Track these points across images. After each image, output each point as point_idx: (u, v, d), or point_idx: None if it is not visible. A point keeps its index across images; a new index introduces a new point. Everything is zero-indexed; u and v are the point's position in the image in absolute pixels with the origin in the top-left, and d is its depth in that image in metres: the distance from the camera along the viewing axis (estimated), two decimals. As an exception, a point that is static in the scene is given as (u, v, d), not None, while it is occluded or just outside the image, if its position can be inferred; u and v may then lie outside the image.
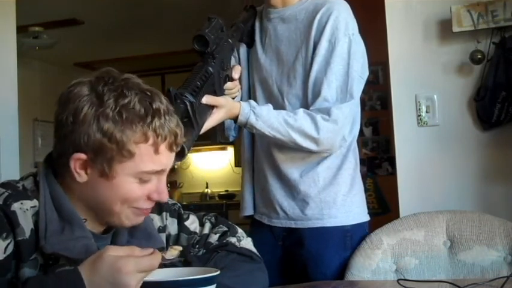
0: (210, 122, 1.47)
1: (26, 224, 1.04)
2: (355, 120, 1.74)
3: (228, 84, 1.59)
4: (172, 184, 6.85)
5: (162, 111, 1.06)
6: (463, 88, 2.21)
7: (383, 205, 3.66)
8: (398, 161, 2.31)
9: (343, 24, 1.68)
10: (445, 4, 2.18)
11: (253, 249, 1.31)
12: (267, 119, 1.58)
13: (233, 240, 1.28)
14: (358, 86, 1.71)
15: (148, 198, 1.10)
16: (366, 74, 1.75)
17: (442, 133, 2.24)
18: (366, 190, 3.63)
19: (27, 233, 1.03)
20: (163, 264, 1.12)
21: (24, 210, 1.04)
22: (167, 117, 1.06)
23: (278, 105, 1.73)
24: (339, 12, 1.68)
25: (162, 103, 1.07)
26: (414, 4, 2.27)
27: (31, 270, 1.03)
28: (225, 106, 1.50)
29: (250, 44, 1.84)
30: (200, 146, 6.40)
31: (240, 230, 1.34)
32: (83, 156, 1.05)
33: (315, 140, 1.63)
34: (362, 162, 3.69)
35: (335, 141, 1.66)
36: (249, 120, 1.57)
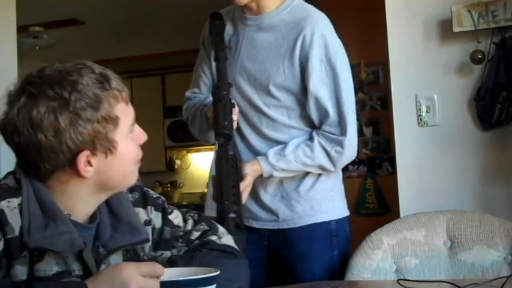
0: (244, 194, 1.65)
1: (15, 222, 1.04)
2: None
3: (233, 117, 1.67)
4: (173, 184, 6.83)
5: (108, 74, 1.11)
6: (463, 88, 2.21)
7: (383, 205, 3.65)
8: (399, 161, 2.31)
9: (331, 41, 1.70)
10: (445, 4, 2.18)
11: (235, 246, 1.32)
12: (287, 168, 1.71)
13: (214, 238, 1.29)
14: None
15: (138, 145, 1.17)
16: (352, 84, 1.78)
17: (442, 133, 2.24)
18: (366, 190, 3.65)
19: (17, 231, 1.04)
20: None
21: (11, 208, 1.05)
22: (112, 77, 1.12)
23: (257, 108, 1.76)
24: (324, 30, 1.70)
25: (96, 68, 1.11)
26: (414, 4, 2.28)
27: (22, 268, 1.04)
28: (251, 175, 1.68)
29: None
30: (200, 146, 6.39)
31: (221, 229, 1.34)
32: (86, 152, 1.07)
33: (330, 170, 1.76)
34: (362, 162, 3.72)
35: (345, 163, 1.79)
36: (273, 175, 1.72)
